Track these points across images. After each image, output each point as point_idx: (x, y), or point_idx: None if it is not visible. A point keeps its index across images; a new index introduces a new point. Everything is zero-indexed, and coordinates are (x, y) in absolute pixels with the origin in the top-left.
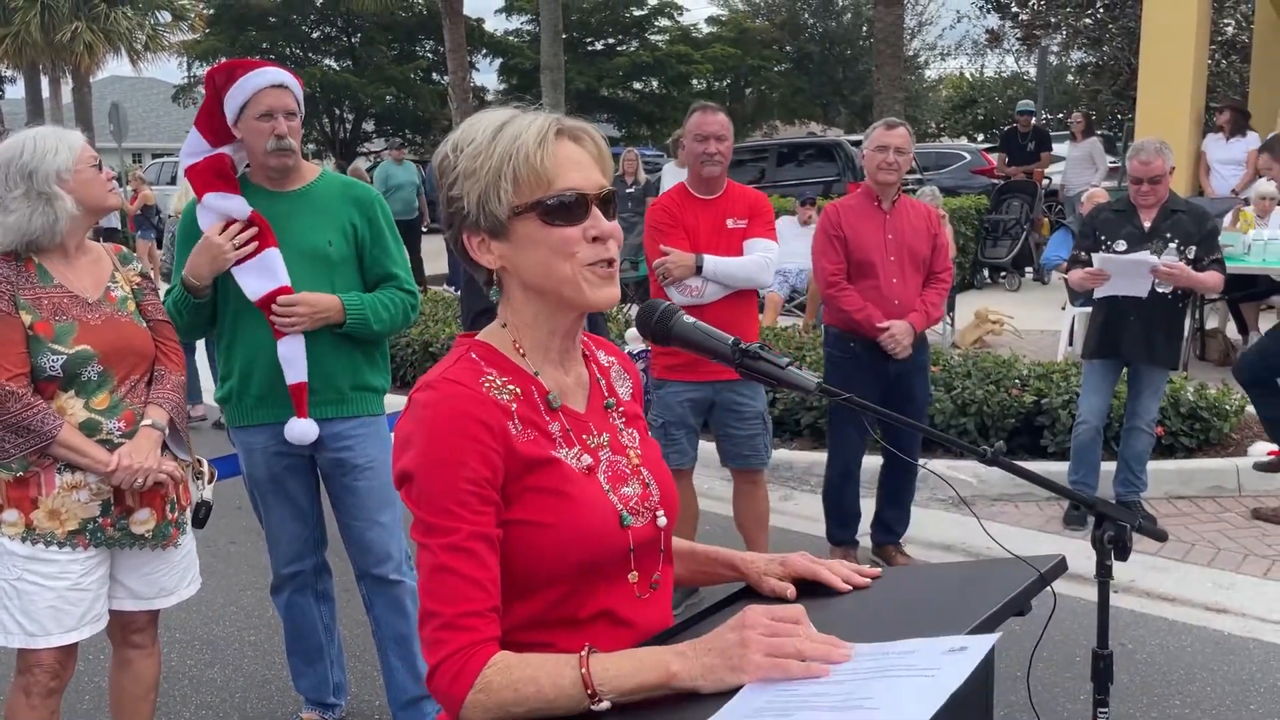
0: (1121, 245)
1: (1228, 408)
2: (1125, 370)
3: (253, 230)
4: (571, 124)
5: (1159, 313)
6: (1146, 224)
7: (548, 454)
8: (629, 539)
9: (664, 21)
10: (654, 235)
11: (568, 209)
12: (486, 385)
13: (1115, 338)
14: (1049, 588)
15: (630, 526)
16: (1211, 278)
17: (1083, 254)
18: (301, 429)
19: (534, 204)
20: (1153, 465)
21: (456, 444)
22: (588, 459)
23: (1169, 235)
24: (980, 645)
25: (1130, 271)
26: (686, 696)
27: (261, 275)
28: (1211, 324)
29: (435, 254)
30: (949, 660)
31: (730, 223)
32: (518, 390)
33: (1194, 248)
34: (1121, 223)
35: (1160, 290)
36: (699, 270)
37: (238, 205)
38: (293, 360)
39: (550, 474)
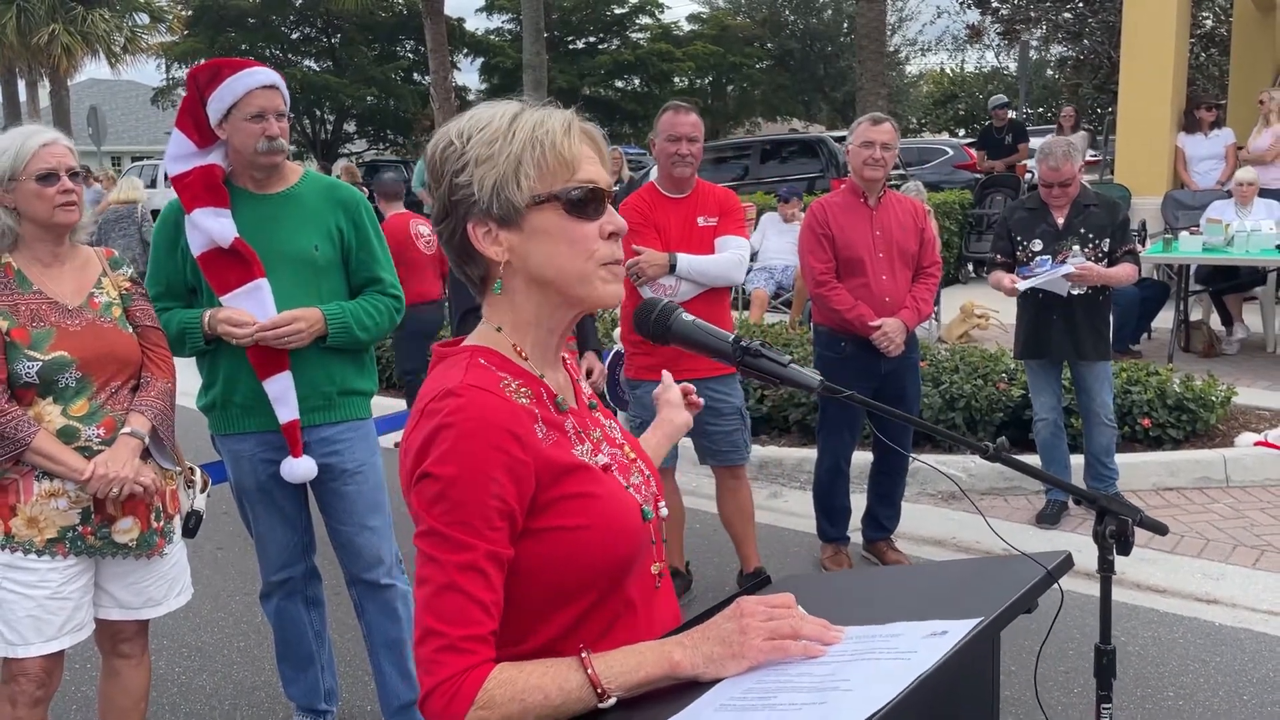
0: (1038, 244)
1: (1214, 399)
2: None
3: (261, 333)
4: (579, 122)
5: (1080, 311)
6: (1060, 221)
7: (571, 456)
8: (650, 530)
9: (645, 19)
10: (626, 235)
11: (588, 202)
12: (507, 391)
13: (1043, 339)
14: (1055, 585)
15: (650, 519)
16: (1123, 271)
17: (998, 256)
18: (301, 469)
19: (556, 194)
20: (1140, 457)
21: (488, 456)
22: (601, 456)
23: (1083, 230)
24: (960, 630)
25: (1049, 281)
26: (684, 685)
27: (249, 308)
28: (1196, 316)
29: None
30: (927, 644)
31: (701, 220)
32: (530, 393)
33: (1108, 240)
34: (1035, 222)
35: (1076, 292)
36: (672, 269)
37: (223, 230)
38: (283, 398)
39: (578, 477)
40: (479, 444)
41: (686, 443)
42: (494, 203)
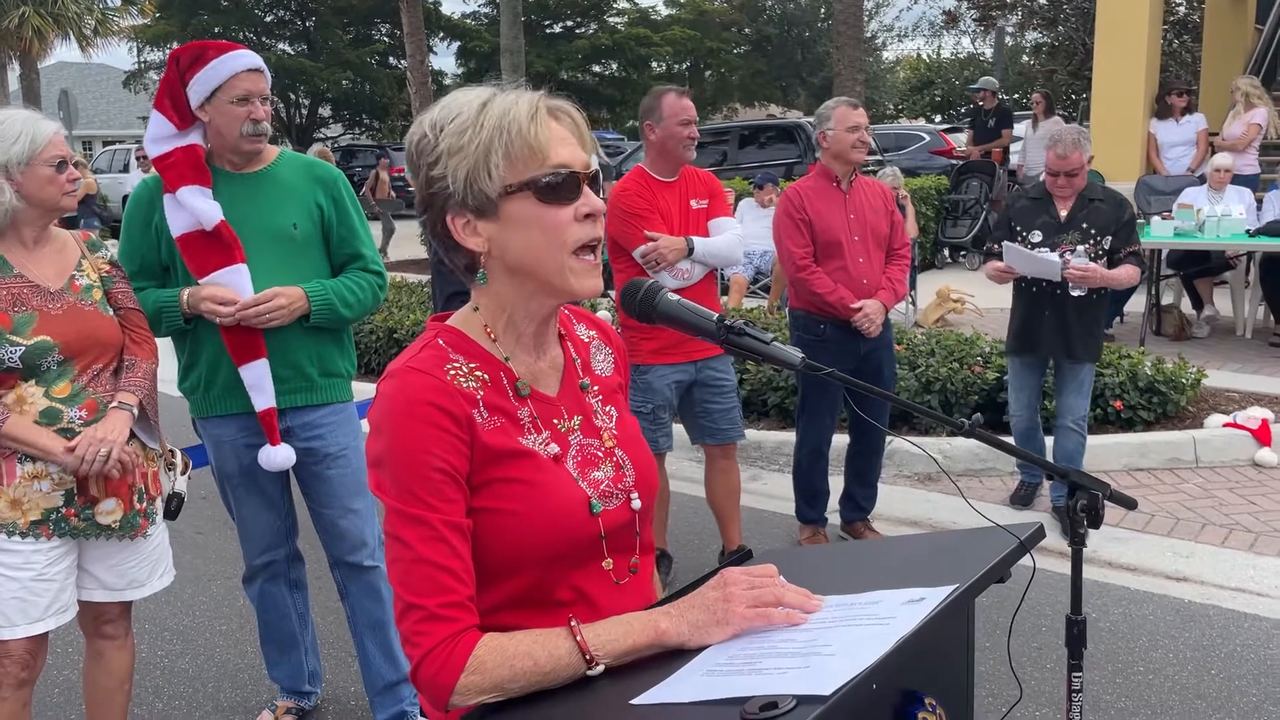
0: (1037, 235)
1: (1184, 381)
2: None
3: (242, 311)
4: (552, 102)
5: (1074, 312)
6: (1063, 213)
7: (515, 442)
8: (599, 526)
9: (622, 4)
10: (632, 220)
11: (561, 187)
12: (452, 373)
13: (1034, 336)
14: (1027, 555)
15: (600, 513)
16: (1125, 273)
17: (996, 246)
18: (279, 458)
19: (528, 182)
20: (1111, 438)
21: (421, 432)
22: (555, 446)
23: (1085, 225)
24: (937, 596)
25: (1040, 266)
26: (671, 653)
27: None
28: (1167, 300)
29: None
30: (906, 610)
31: (694, 204)
32: (485, 377)
33: (1110, 238)
34: (1038, 212)
35: (1075, 294)
36: (690, 253)
37: (209, 211)
38: (258, 385)
39: (517, 463)
40: (412, 422)
41: (680, 428)
42: (468, 194)
